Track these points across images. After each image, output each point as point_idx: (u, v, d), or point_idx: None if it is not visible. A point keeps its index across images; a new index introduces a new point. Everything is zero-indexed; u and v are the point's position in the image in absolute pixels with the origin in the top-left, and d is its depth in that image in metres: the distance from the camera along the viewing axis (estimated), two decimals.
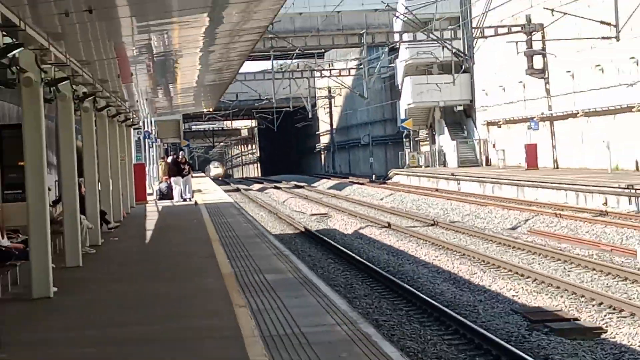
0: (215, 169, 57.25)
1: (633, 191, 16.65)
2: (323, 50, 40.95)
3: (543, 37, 27.74)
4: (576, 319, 7.60)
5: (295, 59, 40.84)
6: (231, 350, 4.17)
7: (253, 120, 53.92)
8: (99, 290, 7.21)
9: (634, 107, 22.08)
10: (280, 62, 44.17)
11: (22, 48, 5.80)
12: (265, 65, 45.17)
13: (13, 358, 4.29)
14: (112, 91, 11.83)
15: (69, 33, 6.94)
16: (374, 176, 38.28)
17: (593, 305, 8.15)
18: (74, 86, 8.37)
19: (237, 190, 36.58)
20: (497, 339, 6.37)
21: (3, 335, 4.50)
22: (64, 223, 8.28)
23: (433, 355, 6.42)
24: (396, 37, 34.13)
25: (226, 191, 29.02)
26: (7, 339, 4.57)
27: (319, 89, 50.60)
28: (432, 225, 17.73)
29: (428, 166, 36.12)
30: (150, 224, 14.87)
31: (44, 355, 4.50)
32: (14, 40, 5.71)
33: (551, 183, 21.39)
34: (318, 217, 21.60)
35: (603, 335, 7.02)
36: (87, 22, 6.22)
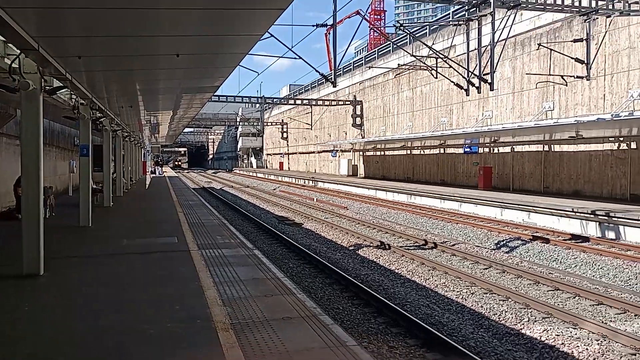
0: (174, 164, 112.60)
1: (313, 177, 37.30)
2: (212, 125, 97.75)
3: (285, 130, 70.73)
4: (294, 220, 22.36)
5: (200, 127, 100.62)
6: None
7: (185, 148, 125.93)
8: (129, 204, 20.30)
9: (313, 153, 56.55)
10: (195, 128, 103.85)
11: (67, 89, 9.19)
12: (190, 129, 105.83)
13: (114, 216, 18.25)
14: (132, 130, 25.44)
15: (110, 102, 19.37)
16: (227, 170, 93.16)
17: (301, 216, 23.02)
18: (110, 124, 21.59)
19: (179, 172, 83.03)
20: (268, 226, 19.82)
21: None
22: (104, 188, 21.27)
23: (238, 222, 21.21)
24: (239, 123, 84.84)
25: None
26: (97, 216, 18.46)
27: (210, 139, 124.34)
28: (247, 187, 41.41)
29: (245, 167, 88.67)
30: (148, 181, 31.00)
31: (119, 210, 18.37)
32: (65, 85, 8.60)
33: (285, 175, 51.39)
34: (205, 181, 50.06)
35: (303, 225, 21.65)
36: (126, 108, 19.50)
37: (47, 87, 7.33)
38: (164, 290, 6.62)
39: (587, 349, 7.24)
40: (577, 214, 16.98)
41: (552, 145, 24.09)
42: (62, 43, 6.33)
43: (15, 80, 7.01)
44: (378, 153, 41.95)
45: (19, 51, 6.92)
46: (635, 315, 8.71)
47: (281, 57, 19.59)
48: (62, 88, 8.49)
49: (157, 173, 52.76)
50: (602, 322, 8.35)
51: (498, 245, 15.37)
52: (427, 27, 32.48)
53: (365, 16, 37.42)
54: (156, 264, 8.39)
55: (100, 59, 7.66)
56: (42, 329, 5.20)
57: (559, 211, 17.78)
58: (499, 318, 8.75)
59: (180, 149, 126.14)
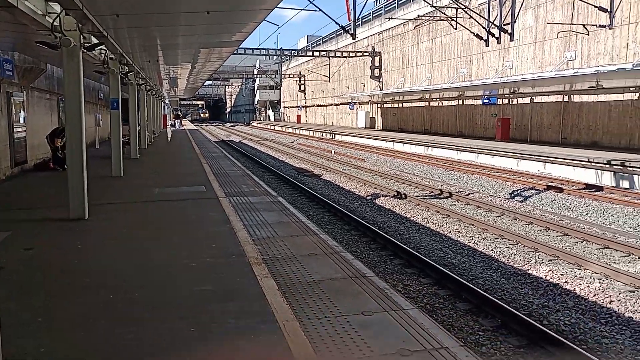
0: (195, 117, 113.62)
1: (331, 130, 34.91)
2: (229, 78, 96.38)
3: (302, 82, 71.56)
4: (313, 172, 23.00)
5: (218, 80, 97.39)
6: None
7: (203, 102, 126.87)
8: (155, 156, 21.08)
9: (331, 105, 56.92)
10: (213, 81, 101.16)
11: (103, 45, 9.62)
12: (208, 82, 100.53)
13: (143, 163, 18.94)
14: (154, 84, 26.00)
15: (134, 57, 19.63)
16: (245, 123, 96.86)
17: (319, 167, 23.63)
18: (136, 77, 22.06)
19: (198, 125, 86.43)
20: (288, 177, 21.11)
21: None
22: (131, 140, 21.99)
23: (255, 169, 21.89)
24: (256, 75, 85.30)
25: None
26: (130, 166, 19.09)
27: (228, 92, 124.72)
28: (265, 139, 39.99)
29: (263, 120, 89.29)
30: (169, 135, 31.81)
31: (146, 162, 19.07)
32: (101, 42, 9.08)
33: (303, 128, 52.18)
34: (225, 135, 50.44)
35: (321, 177, 22.34)
36: (147, 62, 19.92)
37: (86, 44, 7.80)
38: (199, 232, 7.29)
39: (588, 286, 7.79)
40: (592, 164, 17.23)
41: (572, 96, 23.99)
42: (102, 3, 6.76)
43: (57, 37, 7.49)
44: (396, 105, 41.92)
45: (58, 10, 7.38)
46: (639, 258, 9.19)
47: (302, 9, 19.66)
48: (100, 45, 8.96)
49: (177, 126, 53.81)
50: (606, 263, 8.85)
51: (512, 195, 15.79)
52: None
53: None
54: (189, 210, 9.06)
55: (134, 17, 8.07)
56: (96, 263, 5.90)
57: (574, 161, 18.04)
58: (508, 260, 9.31)
59: (198, 102, 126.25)
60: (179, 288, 4.91)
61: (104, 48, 11.15)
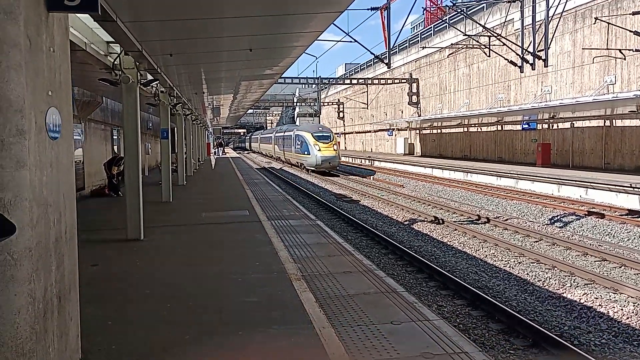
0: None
1: (370, 156, 37.14)
2: (270, 107, 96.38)
3: (341, 109, 70.72)
4: (351, 198, 23.46)
5: (259, 108, 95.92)
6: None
7: (245, 130, 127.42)
8: (200, 182, 21.96)
9: (369, 132, 57.48)
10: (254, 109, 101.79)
11: (157, 81, 10.96)
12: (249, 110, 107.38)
13: (193, 187, 19.84)
14: (198, 114, 27.47)
15: (181, 89, 21.33)
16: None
17: (358, 193, 24.11)
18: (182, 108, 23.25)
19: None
20: (327, 203, 21.64)
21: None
22: (178, 167, 23.08)
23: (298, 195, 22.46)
24: (296, 103, 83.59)
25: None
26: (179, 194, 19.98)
27: (269, 120, 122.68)
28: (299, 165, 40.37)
29: None
30: (213, 162, 33.42)
31: (192, 188, 19.95)
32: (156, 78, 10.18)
33: (343, 154, 52.07)
34: (266, 162, 52.13)
35: (360, 202, 22.78)
36: (194, 94, 21.07)
37: (142, 80, 8.66)
38: (244, 251, 7.87)
39: (622, 309, 7.88)
40: (635, 189, 17.00)
41: (613, 121, 23.71)
42: (158, 44, 7.59)
43: (117, 75, 8.38)
44: (435, 131, 42.10)
45: (118, 50, 8.27)
46: None
47: (339, 41, 20.47)
48: (154, 80, 9.86)
49: (220, 154, 55.69)
50: None
51: (552, 221, 15.77)
52: (484, 3, 32.15)
53: None
54: (234, 231, 9.69)
55: (184, 55, 8.91)
56: (153, 277, 6.54)
57: (617, 187, 17.82)
58: (543, 284, 9.45)
59: (239, 130, 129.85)
60: (228, 299, 5.46)
61: (158, 82, 12.10)
